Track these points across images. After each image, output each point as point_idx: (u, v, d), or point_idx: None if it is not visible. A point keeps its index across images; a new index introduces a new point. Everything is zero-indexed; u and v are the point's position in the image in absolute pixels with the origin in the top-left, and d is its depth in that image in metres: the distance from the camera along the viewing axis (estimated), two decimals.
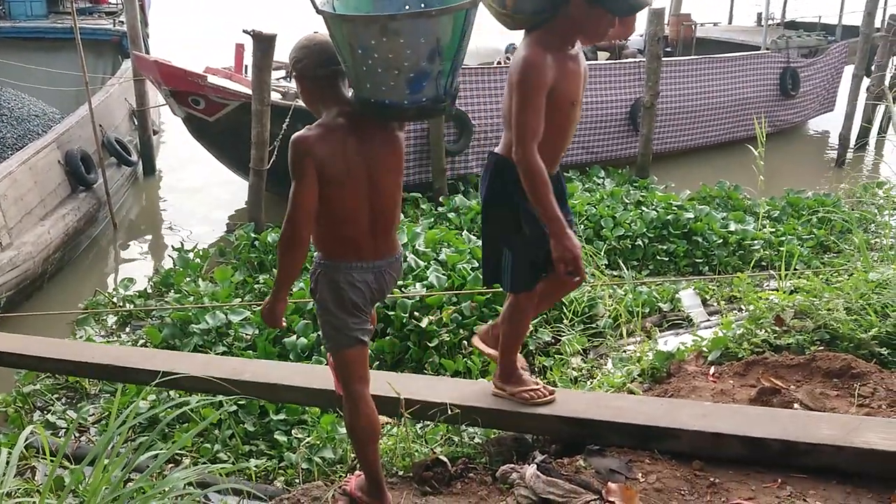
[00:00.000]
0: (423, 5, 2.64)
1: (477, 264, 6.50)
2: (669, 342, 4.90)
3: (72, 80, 10.48)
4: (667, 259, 7.67)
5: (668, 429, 2.73)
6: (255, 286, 6.91)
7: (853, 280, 4.03)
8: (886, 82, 12.31)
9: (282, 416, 4.74)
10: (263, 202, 8.44)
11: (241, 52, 10.33)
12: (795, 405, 2.97)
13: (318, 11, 2.56)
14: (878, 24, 12.93)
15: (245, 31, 7.96)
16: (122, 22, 11.77)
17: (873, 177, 10.77)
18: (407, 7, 2.66)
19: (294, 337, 5.73)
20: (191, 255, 7.79)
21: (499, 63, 11.86)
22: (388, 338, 5.75)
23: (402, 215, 8.18)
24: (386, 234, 2.84)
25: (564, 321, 5.81)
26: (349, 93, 2.71)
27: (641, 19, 10.33)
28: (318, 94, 2.73)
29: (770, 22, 14.46)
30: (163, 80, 9.03)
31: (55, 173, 8.23)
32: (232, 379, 3.58)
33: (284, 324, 2.99)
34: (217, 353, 5.67)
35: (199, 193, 10.58)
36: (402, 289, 6.12)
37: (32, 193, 7.68)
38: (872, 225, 8.14)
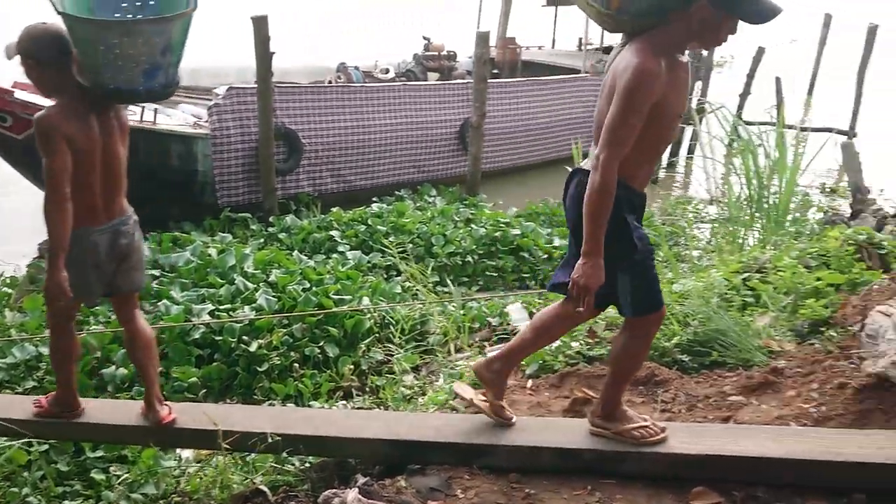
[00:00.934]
0: (138, 4, 3.10)
1: (308, 285, 6.44)
2: None
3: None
4: (496, 274, 7.90)
5: (487, 445, 2.80)
6: None
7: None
8: (693, 104, 13.26)
9: (99, 453, 4.48)
10: None
11: None
12: None
13: (60, 13, 2.88)
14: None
15: None
16: None
17: (683, 194, 11.54)
18: (125, 5, 3.07)
19: (113, 368, 5.43)
20: None
21: (329, 81, 11.84)
22: (215, 364, 5.56)
23: (230, 235, 8.08)
24: (118, 198, 3.41)
25: (395, 340, 5.85)
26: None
27: (471, 42, 10.63)
28: (56, 78, 3.09)
29: (589, 47, 15.27)
30: None
31: None
32: (32, 421, 3.35)
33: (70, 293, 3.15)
34: (25, 390, 5.29)
35: (8, 217, 9.86)
36: (230, 313, 5.96)
37: None
38: (682, 238, 8.71)
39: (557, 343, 3.94)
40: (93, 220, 3.27)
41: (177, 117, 9.69)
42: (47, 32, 3.06)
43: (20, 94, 8.46)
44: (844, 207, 10.04)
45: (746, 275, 4.65)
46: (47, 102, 8.60)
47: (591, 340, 3.94)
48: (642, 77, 2.53)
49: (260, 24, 8.76)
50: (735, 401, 3.28)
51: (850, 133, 14.61)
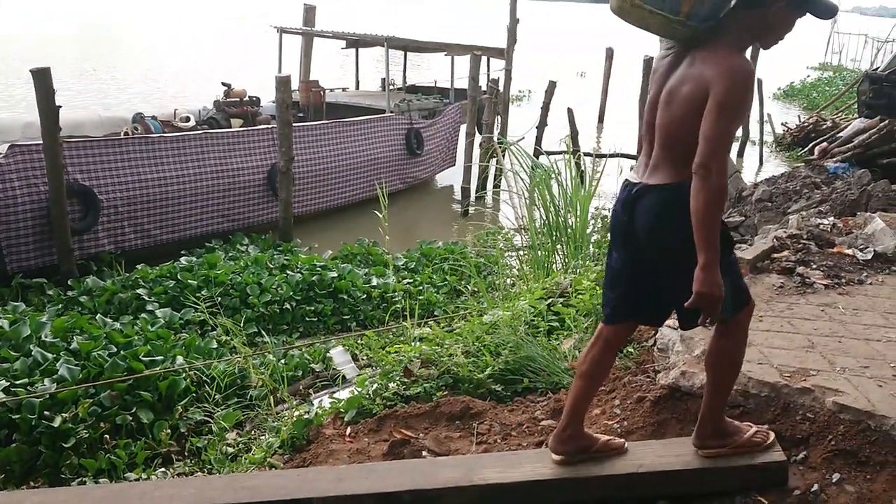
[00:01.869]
0: None
1: (115, 349, 6.10)
2: (324, 402, 4.99)
3: None
4: (316, 319, 7.84)
5: (304, 499, 2.76)
6: None
7: (469, 324, 4.43)
8: (495, 139, 13.85)
9: None
10: None
11: None
12: (424, 452, 3.17)
13: None
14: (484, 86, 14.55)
15: None
16: None
17: (493, 225, 11.97)
18: None
19: None
20: None
21: (126, 133, 11.35)
22: (13, 445, 5.14)
23: (23, 303, 7.51)
24: None
25: (213, 398, 5.66)
26: None
27: (273, 86, 10.57)
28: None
29: (392, 87, 15.60)
30: None
31: None
32: None
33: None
34: None
35: None
36: (28, 387, 5.54)
37: None
38: (495, 267, 9.03)
39: (375, 385, 3.98)
40: None
41: None
42: None
43: None
44: None
45: (550, 300, 4.90)
46: None
47: (407, 380, 4.00)
48: (746, 80, 2.50)
49: (42, 76, 8.27)
50: (546, 425, 3.43)
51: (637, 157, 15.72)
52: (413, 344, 4.37)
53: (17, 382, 5.62)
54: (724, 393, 2.88)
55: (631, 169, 2.93)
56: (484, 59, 14.89)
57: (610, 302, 2.89)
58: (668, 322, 3.89)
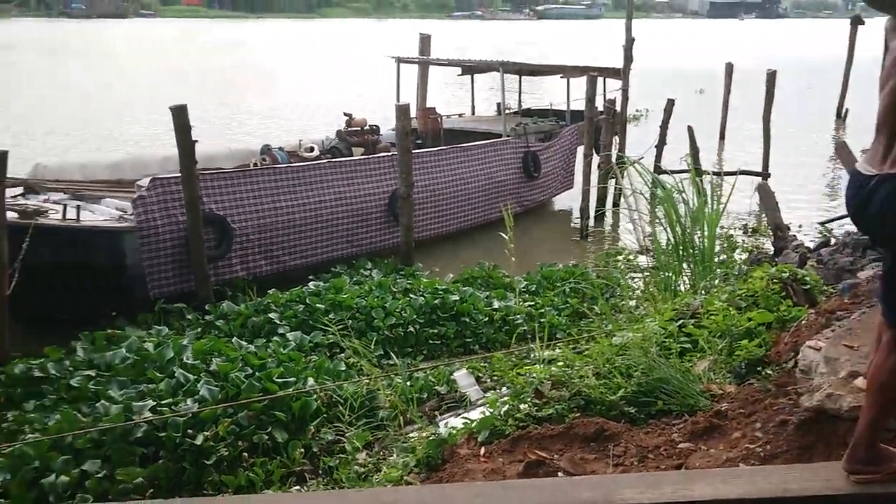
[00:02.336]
0: None
1: (251, 371, 6.36)
2: (450, 424, 5.04)
3: None
4: (439, 342, 7.93)
5: None
6: (3, 424, 6.26)
7: (598, 346, 4.39)
8: (613, 159, 13.72)
9: None
10: (7, 332, 7.74)
11: None
12: (560, 473, 3.16)
13: None
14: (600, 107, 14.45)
15: None
16: None
17: (613, 246, 11.83)
18: None
19: (53, 476, 5.24)
20: None
21: (254, 164, 11.87)
22: (161, 461, 5.41)
23: (165, 327, 7.94)
24: None
25: (344, 418, 5.80)
26: None
27: (391, 114, 10.85)
28: None
29: (508, 111, 15.71)
30: None
31: None
32: None
33: None
34: None
35: None
36: (172, 407, 5.83)
37: None
38: (618, 289, 8.91)
39: (506, 407, 3.99)
40: None
41: (101, 212, 9.56)
42: None
43: None
44: (768, 245, 10.45)
45: (681, 321, 4.79)
46: None
47: (538, 402, 3.99)
48: None
49: (179, 113, 8.78)
50: (684, 447, 3.35)
51: (764, 174, 15.26)
52: (542, 366, 4.36)
53: (163, 402, 5.93)
54: (884, 415, 2.68)
55: (861, 157, 2.68)
56: (600, 79, 14.80)
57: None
58: (809, 342, 3.75)
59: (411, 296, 8.55)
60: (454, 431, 4.02)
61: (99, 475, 5.24)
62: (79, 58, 47.41)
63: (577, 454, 3.29)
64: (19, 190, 9.75)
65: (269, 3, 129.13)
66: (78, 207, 8.97)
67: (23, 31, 76.39)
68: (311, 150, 12.97)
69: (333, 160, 11.66)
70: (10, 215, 7.97)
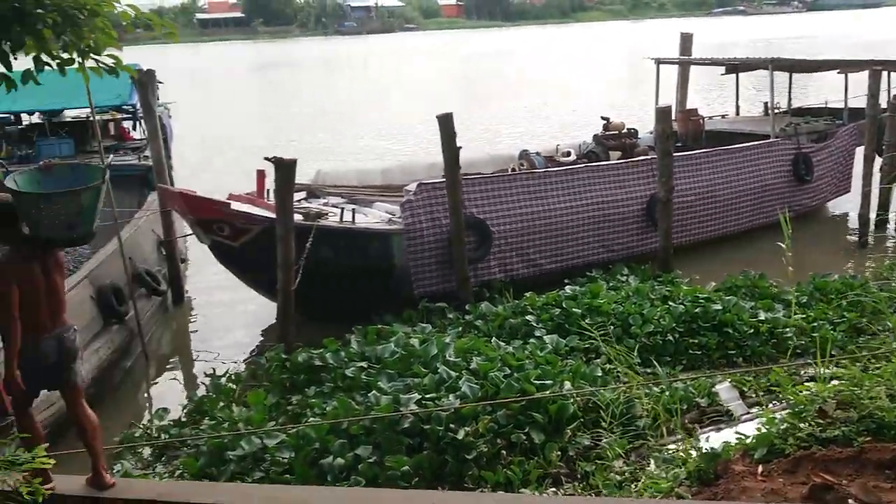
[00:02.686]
0: (70, 185, 4.58)
1: (509, 371, 6.49)
2: (711, 439, 4.82)
3: (100, 215, 10.77)
4: (699, 353, 7.60)
5: None
6: (289, 407, 6.89)
7: (892, 366, 3.98)
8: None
9: None
10: (292, 323, 8.52)
11: (263, 177, 10.64)
12: (850, 501, 2.90)
13: (6, 190, 4.40)
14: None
15: (267, 159, 8.23)
16: (147, 157, 12.20)
17: None
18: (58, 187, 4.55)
19: (331, 458, 5.68)
20: (223, 380, 7.82)
21: (513, 169, 12.11)
22: (425, 452, 5.68)
23: (429, 325, 8.32)
24: (61, 314, 4.68)
25: (603, 424, 5.74)
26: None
27: (649, 117, 10.59)
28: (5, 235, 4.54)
29: (777, 110, 14.74)
30: (188, 209, 9.30)
31: (87, 308, 8.38)
32: None
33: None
34: (254, 480, 5.63)
35: (228, 317, 10.70)
36: (436, 401, 6.10)
37: None
38: None
39: (784, 425, 3.74)
40: (41, 331, 4.55)
41: (373, 215, 10.24)
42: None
43: (235, 205, 9.27)
44: None
45: None
46: (261, 212, 9.31)
47: (822, 421, 3.69)
48: None
49: (445, 121, 9.18)
50: None
51: None
52: (824, 383, 4.04)
53: (427, 396, 6.22)
54: None
55: None
56: (884, 74, 13.45)
57: None
58: None
59: (670, 303, 8.28)
60: (728, 446, 3.83)
61: (370, 460, 5.61)
62: (352, 71, 51.18)
63: (871, 482, 3.01)
64: (303, 194, 10.69)
65: (525, 11, 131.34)
66: (353, 211, 9.67)
67: (303, 49, 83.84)
68: (568, 154, 12.99)
69: (590, 164, 11.61)
70: (296, 217, 8.77)
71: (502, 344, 7.48)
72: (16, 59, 2.29)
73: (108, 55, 2.35)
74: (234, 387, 7.66)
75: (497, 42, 79.99)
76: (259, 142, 23.66)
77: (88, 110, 13.66)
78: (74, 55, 2.22)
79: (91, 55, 2.25)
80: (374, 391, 6.50)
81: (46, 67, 2.54)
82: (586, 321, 7.88)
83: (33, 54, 2.28)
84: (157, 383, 9.12)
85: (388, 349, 7.38)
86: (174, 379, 9.28)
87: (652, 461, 5.07)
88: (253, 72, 55.17)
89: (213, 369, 8.40)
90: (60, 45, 2.25)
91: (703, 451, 3.84)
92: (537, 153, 12.77)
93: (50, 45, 2.27)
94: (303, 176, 10.22)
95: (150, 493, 3.79)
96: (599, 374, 6.70)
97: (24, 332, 4.44)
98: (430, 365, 6.89)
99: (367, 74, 49.36)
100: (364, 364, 7.28)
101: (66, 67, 2.25)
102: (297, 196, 10.01)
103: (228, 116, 30.25)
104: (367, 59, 63.37)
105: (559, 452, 5.74)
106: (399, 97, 36.36)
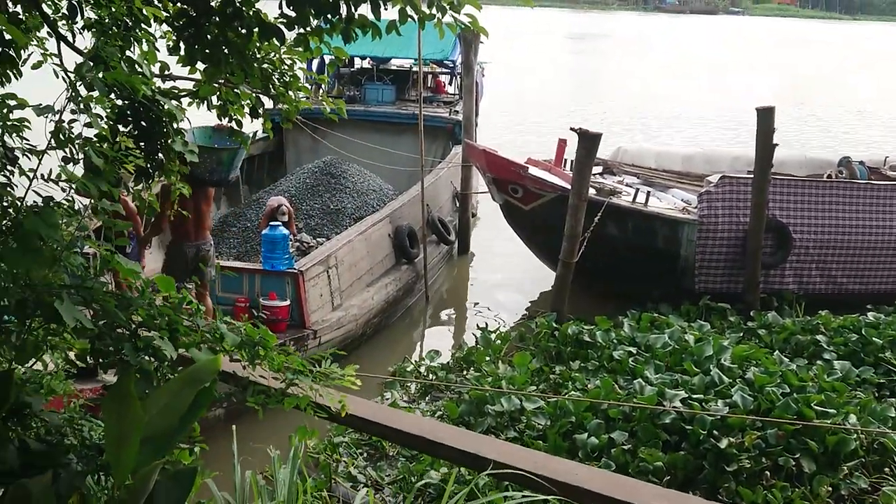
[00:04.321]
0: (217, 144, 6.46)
1: (787, 389, 6.06)
2: None
3: (407, 161, 11.53)
4: None
5: None
6: (551, 376, 6.99)
7: None
8: None
9: None
10: (568, 294, 8.58)
11: (563, 146, 10.73)
12: None
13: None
14: None
15: (572, 129, 8.27)
16: (458, 111, 12.78)
17: None
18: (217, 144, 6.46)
19: (585, 435, 5.68)
20: (493, 336, 8.09)
21: (829, 176, 11.12)
22: (682, 453, 5.50)
23: (707, 324, 7.96)
24: (202, 231, 6.74)
25: (887, 470, 5.20)
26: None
27: None
28: None
29: None
30: (488, 167, 9.63)
31: (384, 245, 9.05)
32: (545, 475, 3.53)
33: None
34: (508, 438, 5.80)
35: (506, 276, 11.01)
36: (703, 403, 5.86)
37: (364, 262, 8.50)
38: None
39: None
40: (186, 239, 6.65)
41: (667, 201, 9.94)
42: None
43: (533, 170, 9.45)
44: None
45: None
46: (556, 181, 9.42)
47: None
48: None
49: (765, 115, 8.63)
50: None
51: None
52: None
53: (694, 396, 5.99)
54: None
55: None
56: None
57: None
58: None
59: None
60: None
61: (625, 447, 5.53)
62: (667, 50, 49.75)
63: None
64: (599, 169, 10.64)
65: (870, 4, 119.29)
66: (648, 193, 9.46)
67: (619, 21, 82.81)
68: None
69: None
70: (589, 191, 8.75)
71: (785, 360, 6.99)
72: (386, 9, 2.46)
73: (465, 14, 2.46)
74: (502, 344, 7.90)
75: (829, 34, 73.55)
76: (562, 111, 23.89)
77: (412, 61, 14.68)
78: (434, 10, 2.35)
79: (451, 12, 2.36)
80: (639, 379, 6.40)
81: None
82: (887, 353, 7.13)
83: (399, 6, 2.44)
84: (431, 326, 9.65)
85: (660, 339, 7.20)
86: (447, 324, 9.78)
87: None
88: (567, 40, 55.54)
89: (486, 323, 8.73)
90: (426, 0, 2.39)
91: None
92: (861, 162, 11.59)
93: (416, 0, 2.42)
94: (601, 151, 10.16)
95: (414, 429, 4.01)
96: (893, 415, 6.03)
97: (174, 238, 6.72)
98: (703, 365, 6.62)
99: (683, 54, 47.61)
100: (633, 350, 7.18)
101: (426, 21, 2.40)
102: (594, 170, 9.98)
103: (537, 81, 30.76)
104: (684, 39, 61.11)
105: (829, 488, 5.28)
106: (707, 82, 34.76)
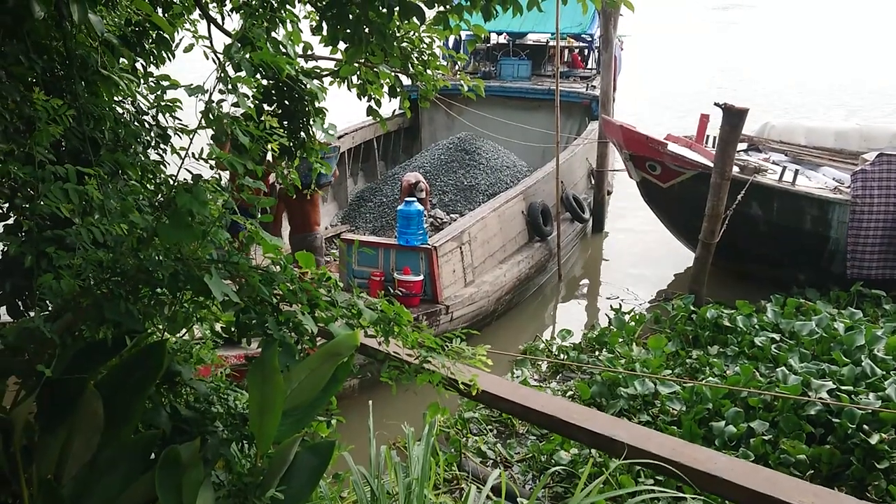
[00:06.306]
0: None
1: None
2: None
3: (541, 137, 11.40)
4: None
5: None
6: (688, 360, 6.78)
7: None
8: None
9: None
10: (707, 276, 8.28)
11: (705, 122, 10.32)
12: None
13: None
14: None
15: (717, 105, 7.92)
16: (595, 87, 12.52)
17: None
18: None
19: (723, 423, 5.49)
20: (626, 317, 7.92)
21: None
22: (827, 446, 5.21)
23: (859, 311, 7.50)
24: (309, 224, 7.70)
25: None
26: None
27: None
28: None
29: None
30: (625, 144, 9.38)
31: (517, 222, 9.01)
32: (681, 463, 3.42)
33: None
34: (640, 421, 5.68)
35: (642, 256, 10.75)
36: (852, 395, 5.53)
37: (497, 238, 8.49)
38: None
39: None
40: (296, 231, 7.70)
41: (816, 180, 9.40)
42: None
43: (672, 147, 9.13)
44: None
45: None
46: (697, 158, 9.07)
47: None
48: None
49: None
50: None
51: None
52: None
53: (842, 388, 5.66)
54: None
55: None
56: None
57: None
58: None
59: None
60: None
61: (765, 437, 5.31)
62: (823, 21, 46.87)
63: None
64: (744, 146, 10.17)
65: None
66: (796, 171, 8.96)
67: None
68: None
69: None
70: (733, 169, 8.38)
71: None
72: None
73: None
74: (636, 326, 7.72)
75: None
76: (704, 86, 23.00)
77: (548, 35, 14.47)
78: None
79: None
80: (782, 367, 6.11)
81: None
82: None
83: None
84: (563, 304, 9.56)
85: (806, 327, 6.84)
86: (579, 304, 9.66)
87: None
88: (711, 11, 53.24)
89: (621, 303, 8.55)
90: None
91: None
92: None
93: None
94: (747, 127, 9.71)
95: (547, 408, 3.96)
96: None
97: (291, 230, 7.70)
98: (853, 355, 6.25)
99: (842, 25, 44.68)
100: (776, 336, 6.86)
101: None
102: (738, 147, 9.56)
103: (678, 55, 29.71)
104: (845, 10, 57.39)
105: None
106: (868, 54, 32.50)
